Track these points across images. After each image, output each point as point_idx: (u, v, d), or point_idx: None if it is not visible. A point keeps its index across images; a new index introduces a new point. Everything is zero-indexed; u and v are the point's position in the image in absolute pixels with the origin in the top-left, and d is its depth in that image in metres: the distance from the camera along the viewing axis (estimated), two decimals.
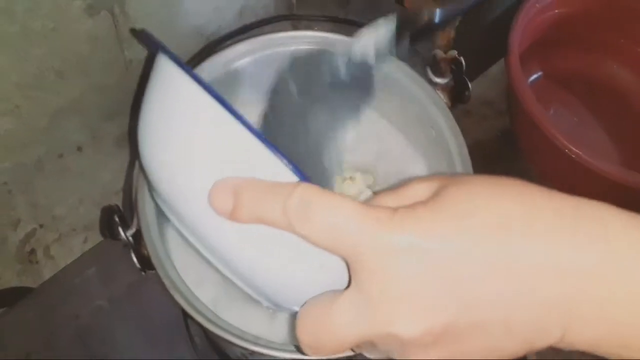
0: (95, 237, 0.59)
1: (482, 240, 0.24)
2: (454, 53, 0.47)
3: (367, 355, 0.29)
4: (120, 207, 0.41)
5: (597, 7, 0.70)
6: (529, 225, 0.24)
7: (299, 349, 0.30)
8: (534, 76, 0.74)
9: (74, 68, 0.54)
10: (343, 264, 0.28)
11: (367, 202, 0.28)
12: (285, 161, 0.27)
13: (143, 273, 0.39)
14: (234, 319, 0.40)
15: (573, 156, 0.58)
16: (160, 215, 0.45)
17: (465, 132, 0.48)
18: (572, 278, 0.24)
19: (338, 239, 0.26)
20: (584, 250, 0.24)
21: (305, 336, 0.27)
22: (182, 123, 0.30)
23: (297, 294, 0.30)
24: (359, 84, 0.41)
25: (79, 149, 0.59)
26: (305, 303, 0.28)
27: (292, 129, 0.42)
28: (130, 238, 0.39)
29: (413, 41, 0.48)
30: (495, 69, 0.74)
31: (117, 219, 0.39)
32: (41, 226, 0.58)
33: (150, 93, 0.33)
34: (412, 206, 0.26)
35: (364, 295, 0.26)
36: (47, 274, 0.57)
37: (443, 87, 0.48)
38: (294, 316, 0.29)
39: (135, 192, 0.42)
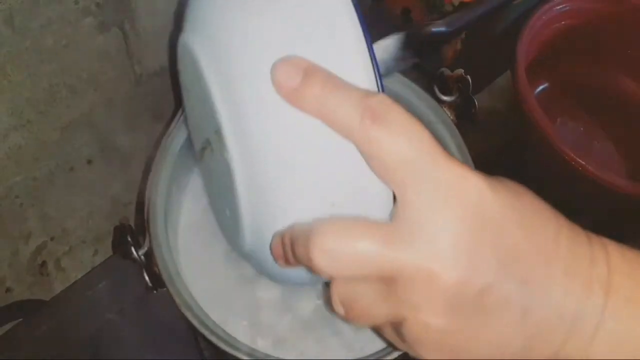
0: (105, 250, 0.59)
1: (536, 227, 0.25)
2: (460, 71, 0.47)
3: (361, 315, 0.26)
4: (132, 224, 0.42)
5: (604, 18, 0.70)
6: (558, 240, 0.25)
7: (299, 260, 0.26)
8: (540, 87, 0.74)
9: (85, 83, 0.55)
10: (384, 200, 0.25)
11: None
12: (377, 73, 0.25)
13: (155, 292, 0.40)
14: (240, 334, 0.41)
15: (579, 168, 0.58)
16: (170, 231, 0.46)
17: (470, 143, 0.49)
18: (575, 299, 0.24)
19: (409, 158, 0.23)
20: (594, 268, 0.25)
21: (328, 241, 0.24)
22: None
23: (307, 216, 0.26)
24: None
25: (89, 162, 0.60)
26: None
27: None
28: (142, 257, 0.40)
29: (419, 56, 0.48)
30: (502, 80, 0.74)
31: (129, 239, 0.39)
32: (52, 239, 0.59)
33: None
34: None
35: (412, 224, 0.24)
36: (57, 286, 0.57)
37: (450, 105, 0.49)
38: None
39: (147, 210, 0.42)
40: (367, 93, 0.24)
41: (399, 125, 0.24)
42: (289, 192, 0.26)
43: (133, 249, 0.39)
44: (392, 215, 0.25)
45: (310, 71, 0.24)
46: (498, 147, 0.70)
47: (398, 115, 0.24)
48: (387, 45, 0.37)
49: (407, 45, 0.38)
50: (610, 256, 0.25)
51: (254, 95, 0.25)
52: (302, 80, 0.24)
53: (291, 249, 0.26)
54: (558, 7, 0.69)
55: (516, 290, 0.24)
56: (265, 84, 0.25)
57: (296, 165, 0.26)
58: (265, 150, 0.26)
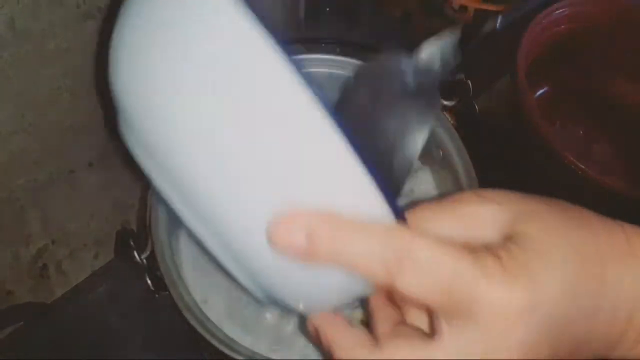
0: (106, 253, 0.59)
1: (578, 289, 0.24)
2: (461, 76, 0.47)
3: None
4: (133, 227, 0.42)
5: (604, 22, 0.70)
6: (602, 260, 0.25)
7: None
8: (540, 91, 0.74)
9: (86, 87, 0.55)
10: None
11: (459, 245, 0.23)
12: (382, 195, 0.21)
13: (156, 295, 0.40)
14: (241, 337, 0.41)
15: (579, 171, 0.58)
16: (172, 234, 0.46)
17: (470, 147, 0.49)
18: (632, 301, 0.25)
19: (446, 294, 0.22)
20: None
21: None
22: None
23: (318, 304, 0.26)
24: (425, 91, 0.40)
25: (90, 165, 0.60)
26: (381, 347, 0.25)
27: (363, 135, 0.39)
28: (145, 261, 0.40)
29: (481, 48, 0.47)
30: (501, 83, 0.74)
31: (132, 243, 0.39)
32: (53, 242, 0.59)
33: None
34: (509, 254, 0.23)
35: (464, 351, 0.23)
36: (58, 289, 0.57)
37: (450, 109, 0.49)
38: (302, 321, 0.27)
39: (149, 214, 0.42)
40: (384, 237, 0.22)
41: (426, 264, 0.22)
42: (294, 297, 0.26)
43: (135, 253, 0.40)
44: (437, 340, 0.24)
45: (314, 227, 0.22)
46: (498, 150, 0.70)
47: (422, 253, 0.22)
48: (445, 43, 0.36)
49: (463, 43, 0.38)
50: None
51: (247, 241, 0.23)
52: (308, 241, 0.22)
53: (327, 348, 0.26)
54: (558, 11, 0.69)
55: (568, 349, 0.24)
56: (252, 222, 0.21)
57: (300, 280, 0.24)
58: (265, 276, 0.25)
